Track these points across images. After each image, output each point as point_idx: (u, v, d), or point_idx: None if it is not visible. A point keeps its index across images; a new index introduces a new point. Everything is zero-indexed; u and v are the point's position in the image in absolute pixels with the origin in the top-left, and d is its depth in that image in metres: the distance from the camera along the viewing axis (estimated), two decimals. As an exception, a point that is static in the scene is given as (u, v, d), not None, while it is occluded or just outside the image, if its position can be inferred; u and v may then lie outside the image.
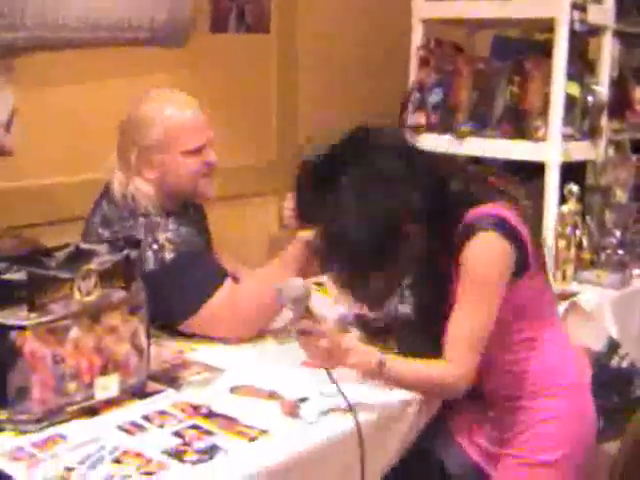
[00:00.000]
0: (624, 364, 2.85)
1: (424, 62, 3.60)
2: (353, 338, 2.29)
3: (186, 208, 2.57)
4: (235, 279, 2.54)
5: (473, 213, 2.18)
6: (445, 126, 3.46)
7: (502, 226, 2.15)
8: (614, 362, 2.83)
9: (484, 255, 2.15)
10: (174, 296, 2.35)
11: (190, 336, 2.44)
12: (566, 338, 2.41)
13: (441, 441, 2.33)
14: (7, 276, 1.83)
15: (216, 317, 2.40)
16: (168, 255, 2.36)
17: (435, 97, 3.50)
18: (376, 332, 2.47)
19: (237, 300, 2.41)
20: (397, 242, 2.16)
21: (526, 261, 2.20)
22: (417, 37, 3.62)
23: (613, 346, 2.86)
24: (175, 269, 2.36)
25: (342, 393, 2.01)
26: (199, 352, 2.36)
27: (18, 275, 1.83)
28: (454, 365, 2.12)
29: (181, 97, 2.54)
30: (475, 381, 2.22)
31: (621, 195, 3.57)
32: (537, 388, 2.26)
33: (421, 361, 2.16)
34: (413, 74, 3.62)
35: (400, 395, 2.17)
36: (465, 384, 2.13)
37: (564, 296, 3.06)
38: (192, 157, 2.47)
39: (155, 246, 2.35)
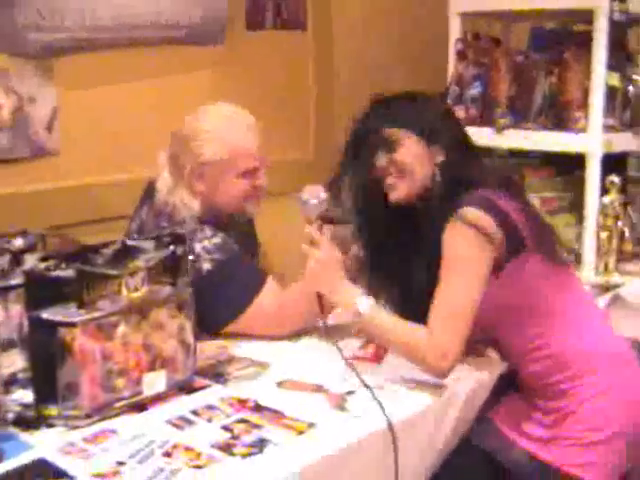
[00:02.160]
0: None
1: (462, 56, 3.58)
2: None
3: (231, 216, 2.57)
4: None
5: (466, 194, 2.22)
6: (484, 119, 3.45)
7: (486, 205, 2.17)
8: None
9: (463, 229, 2.14)
10: (214, 305, 2.35)
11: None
12: (601, 315, 2.44)
13: (490, 437, 2.31)
14: (56, 273, 1.85)
15: (258, 322, 2.40)
16: (205, 266, 2.36)
17: (474, 91, 3.49)
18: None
19: (282, 304, 2.41)
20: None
21: (520, 240, 2.19)
22: (454, 31, 3.60)
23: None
24: (213, 279, 2.36)
25: (365, 384, 2.06)
26: (243, 347, 2.37)
27: (67, 272, 1.85)
28: (434, 338, 2.09)
29: (244, 116, 2.52)
30: (518, 371, 2.28)
31: (663, 185, 3.55)
32: (579, 367, 2.24)
33: (404, 325, 2.15)
34: (451, 68, 3.61)
35: (446, 392, 2.17)
36: (445, 363, 2.09)
37: (607, 288, 3.05)
38: (245, 179, 2.48)
39: (191, 256, 2.32)
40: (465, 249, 2.14)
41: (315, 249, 2.15)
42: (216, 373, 2.19)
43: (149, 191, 2.54)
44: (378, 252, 2.44)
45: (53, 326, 1.83)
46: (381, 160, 2.29)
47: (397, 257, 2.39)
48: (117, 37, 3.19)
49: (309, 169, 3.99)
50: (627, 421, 2.24)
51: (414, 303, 2.26)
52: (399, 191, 2.30)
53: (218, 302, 2.35)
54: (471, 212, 2.16)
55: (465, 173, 2.27)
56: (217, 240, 2.41)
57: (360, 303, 2.14)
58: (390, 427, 1.96)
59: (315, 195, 2.17)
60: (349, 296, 2.17)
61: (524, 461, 2.25)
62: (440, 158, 2.28)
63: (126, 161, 3.12)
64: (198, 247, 2.35)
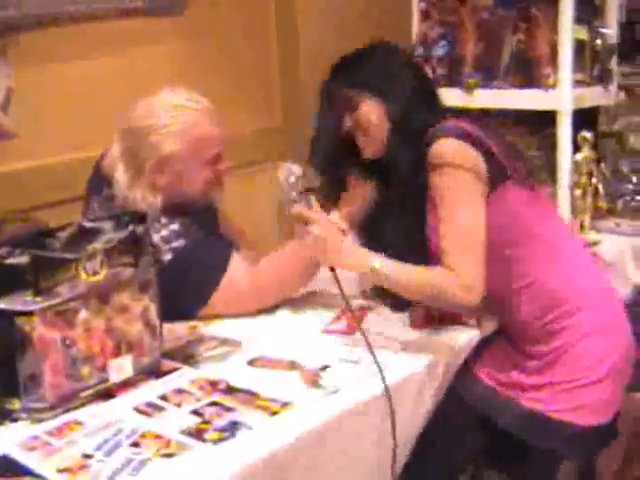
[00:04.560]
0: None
1: (426, 15, 3.51)
2: (349, 239, 2.22)
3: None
4: None
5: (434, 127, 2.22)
6: (452, 79, 3.37)
7: (461, 133, 2.17)
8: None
9: (447, 156, 2.13)
10: (182, 293, 2.27)
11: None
12: (585, 249, 2.47)
13: (475, 390, 2.27)
14: (10, 260, 1.76)
15: (232, 301, 2.34)
16: (165, 256, 2.28)
17: (440, 50, 3.41)
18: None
19: (255, 278, 2.36)
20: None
21: (502, 169, 2.19)
22: (418, -10, 3.53)
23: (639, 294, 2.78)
24: (176, 268, 2.27)
25: (374, 355, 1.97)
26: (213, 326, 2.30)
27: (21, 259, 1.76)
28: (459, 275, 2.05)
29: (200, 102, 2.42)
30: (510, 316, 2.26)
31: (635, 140, 3.51)
32: (570, 303, 2.21)
33: (421, 268, 2.10)
34: (415, 28, 3.53)
35: (426, 359, 2.13)
36: (473, 295, 2.05)
37: (583, 246, 3.01)
38: (208, 166, 2.41)
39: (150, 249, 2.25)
40: (457, 186, 2.13)
41: (310, 226, 2.06)
42: (186, 354, 2.12)
43: (97, 181, 2.46)
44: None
45: (9, 316, 1.75)
46: (346, 122, 2.31)
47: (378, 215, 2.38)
48: (73, 12, 3.09)
49: (278, 136, 3.93)
50: (619, 358, 2.22)
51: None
52: (366, 150, 2.32)
53: (186, 289, 2.28)
54: (448, 146, 2.15)
55: (417, 121, 2.24)
56: (174, 226, 2.32)
57: (373, 262, 2.07)
58: (388, 395, 1.92)
59: (289, 173, 2.09)
60: (359, 259, 2.09)
61: (511, 412, 2.21)
62: (394, 112, 2.26)
63: (88, 139, 3.03)
64: (156, 238, 2.26)
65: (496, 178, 2.17)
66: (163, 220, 2.31)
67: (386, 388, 1.93)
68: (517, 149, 2.38)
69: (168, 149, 2.34)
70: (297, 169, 2.09)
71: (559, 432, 2.18)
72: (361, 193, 2.42)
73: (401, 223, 2.26)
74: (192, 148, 2.36)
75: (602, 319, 2.23)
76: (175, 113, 2.37)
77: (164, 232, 2.30)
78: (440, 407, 2.19)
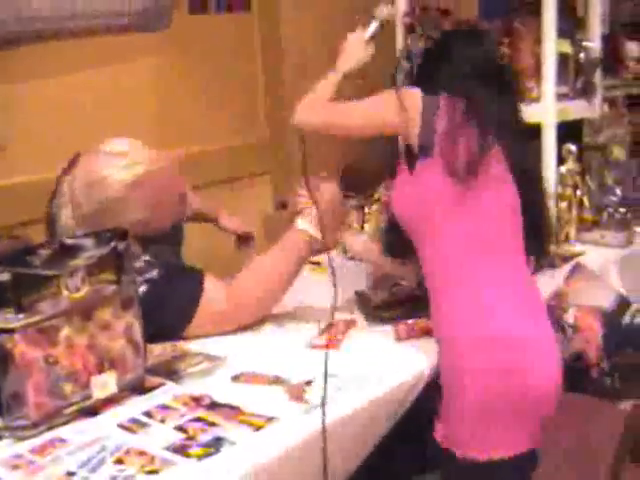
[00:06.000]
0: (637, 319, 2.75)
1: (410, 29, 3.52)
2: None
3: None
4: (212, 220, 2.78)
5: None
6: (436, 93, 3.38)
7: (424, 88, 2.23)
8: (626, 319, 2.74)
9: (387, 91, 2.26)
10: (160, 321, 2.22)
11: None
12: (502, 269, 2.15)
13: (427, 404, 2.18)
14: (-10, 278, 1.76)
15: (211, 322, 2.32)
16: (140, 288, 2.21)
17: (424, 64, 3.42)
18: None
19: (231, 296, 2.33)
20: None
21: (431, 139, 2.13)
22: (401, 4, 3.54)
23: (623, 303, 2.77)
24: (151, 299, 2.22)
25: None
26: (197, 342, 2.29)
27: (2, 276, 1.75)
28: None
29: (148, 154, 2.40)
30: None
31: (619, 152, 3.52)
32: (445, 319, 2.14)
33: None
34: (400, 42, 3.54)
35: (411, 370, 2.14)
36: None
37: (569, 257, 3.01)
38: (176, 204, 2.47)
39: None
40: (378, 97, 2.27)
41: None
42: (170, 371, 2.11)
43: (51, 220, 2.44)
44: None
45: (-10, 334, 1.74)
46: None
47: None
48: (57, 28, 3.09)
49: (262, 149, 3.92)
50: (483, 389, 2.03)
51: None
52: None
53: (163, 319, 2.25)
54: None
55: None
56: (145, 257, 2.31)
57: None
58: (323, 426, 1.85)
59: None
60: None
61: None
62: None
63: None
64: None
65: (423, 148, 2.14)
66: (135, 251, 2.25)
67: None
68: (486, 139, 2.15)
69: (131, 217, 2.31)
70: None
71: (449, 463, 2.11)
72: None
73: None
74: (154, 204, 2.36)
75: (468, 346, 2.07)
76: (127, 184, 2.32)
77: (137, 264, 2.24)
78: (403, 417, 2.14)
